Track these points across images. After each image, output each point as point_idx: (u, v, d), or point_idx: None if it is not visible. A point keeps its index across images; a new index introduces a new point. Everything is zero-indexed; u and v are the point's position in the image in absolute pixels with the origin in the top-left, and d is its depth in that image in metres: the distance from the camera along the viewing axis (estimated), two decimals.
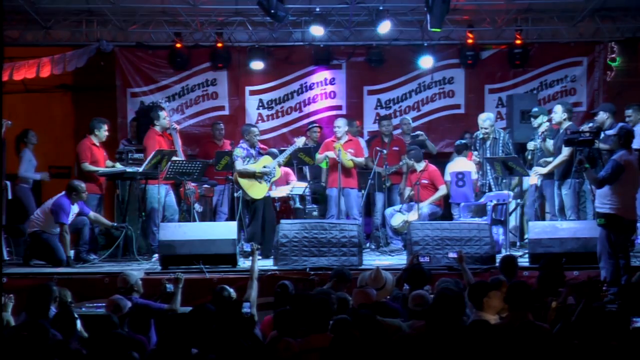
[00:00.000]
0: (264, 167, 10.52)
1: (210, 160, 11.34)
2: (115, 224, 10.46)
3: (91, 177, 10.66)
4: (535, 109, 10.72)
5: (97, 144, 10.84)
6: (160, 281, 7.91)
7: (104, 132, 10.82)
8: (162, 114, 10.84)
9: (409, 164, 11.34)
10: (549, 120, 10.45)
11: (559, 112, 10.15)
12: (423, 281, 7.13)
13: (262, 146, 11.12)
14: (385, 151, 11.51)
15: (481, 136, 10.91)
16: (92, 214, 10.23)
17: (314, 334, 5.39)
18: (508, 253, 9.38)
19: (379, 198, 11.60)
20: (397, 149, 11.80)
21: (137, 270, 8.31)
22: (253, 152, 10.64)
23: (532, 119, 10.64)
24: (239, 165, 10.47)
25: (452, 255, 8.05)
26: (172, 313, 7.00)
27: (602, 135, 9.92)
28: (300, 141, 11.03)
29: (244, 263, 9.45)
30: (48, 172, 11.71)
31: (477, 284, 6.45)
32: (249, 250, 8.56)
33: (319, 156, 11.45)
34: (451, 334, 4.96)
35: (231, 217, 11.19)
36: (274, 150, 11.74)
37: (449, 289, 6.61)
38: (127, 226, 10.30)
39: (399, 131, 12.55)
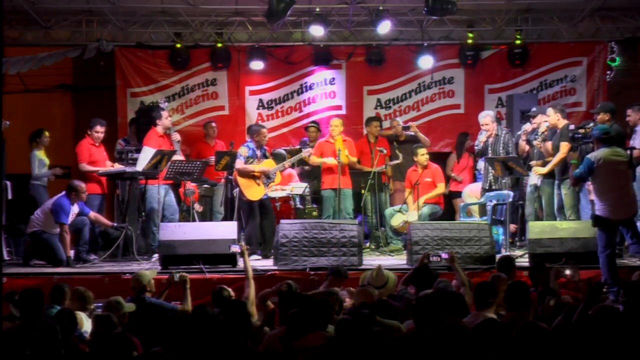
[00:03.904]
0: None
1: (208, 159, 11.33)
2: (115, 224, 10.47)
3: (92, 177, 10.67)
4: (534, 109, 10.80)
5: (97, 144, 10.84)
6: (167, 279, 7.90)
7: (94, 132, 10.82)
8: (164, 114, 10.84)
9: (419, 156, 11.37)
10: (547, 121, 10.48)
11: (552, 115, 10.21)
12: (429, 282, 7.09)
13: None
14: (384, 150, 11.52)
15: (484, 135, 10.92)
16: (92, 214, 10.23)
17: (310, 333, 5.39)
18: (507, 253, 9.40)
19: (369, 199, 11.54)
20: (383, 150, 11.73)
21: (148, 270, 8.29)
22: (258, 153, 10.63)
23: (530, 119, 10.73)
24: (239, 164, 10.47)
25: (443, 256, 7.98)
26: (185, 313, 6.99)
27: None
28: (307, 152, 11.06)
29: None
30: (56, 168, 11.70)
31: (484, 284, 6.37)
32: (239, 250, 8.54)
33: (314, 159, 11.44)
34: (438, 334, 4.95)
35: (227, 217, 11.19)
36: (281, 150, 11.73)
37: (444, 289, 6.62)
38: (127, 226, 10.30)
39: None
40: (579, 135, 9.18)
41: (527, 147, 10.76)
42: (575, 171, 8.52)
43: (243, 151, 10.55)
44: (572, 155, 8.85)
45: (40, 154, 11.12)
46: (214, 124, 12.34)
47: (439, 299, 5.44)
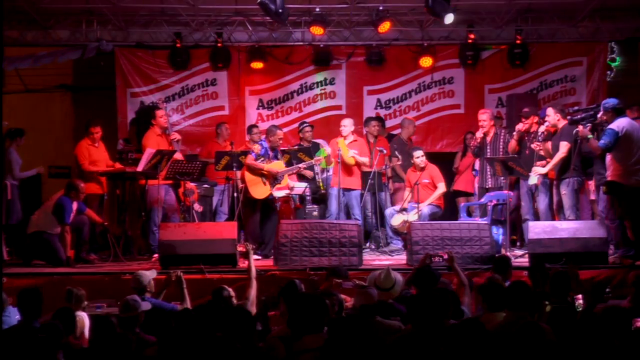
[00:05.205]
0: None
1: (210, 160, 11.34)
2: (105, 223, 10.48)
3: (92, 177, 10.68)
4: (526, 109, 10.82)
5: (95, 144, 10.84)
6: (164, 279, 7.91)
7: (90, 133, 10.82)
8: (159, 113, 10.83)
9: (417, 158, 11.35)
10: (542, 123, 10.45)
11: (551, 115, 10.20)
12: (430, 283, 7.05)
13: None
14: (384, 150, 11.52)
15: (479, 132, 10.95)
16: (87, 210, 10.24)
17: (308, 335, 5.35)
18: (503, 253, 9.40)
19: (369, 199, 11.55)
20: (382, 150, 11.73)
21: (148, 270, 8.30)
22: (270, 153, 10.65)
23: (522, 120, 10.76)
24: (250, 159, 10.49)
25: (445, 256, 7.94)
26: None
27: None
28: (318, 160, 11.06)
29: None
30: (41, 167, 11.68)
31: (493, 286, 6.35)
32: (243, 250, 8.55)
33: (331, 159, 11.48)
34: (436, 334, 4.93)
35: (231, 217, 11.19)
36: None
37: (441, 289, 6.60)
38: (106, 226, 10.34)
39: (398, 130, 12.60)
40: (578, 117, 9.44)
41: (517, 147, 10.71)
42: (600, 142, 9.01)
43: (256, 148, 10.61)
44: (586, 132, 9.23)
45: (16, 153, 11.10)
46: (227, 125, 12.35)
47: (430, 299, 5.41)
